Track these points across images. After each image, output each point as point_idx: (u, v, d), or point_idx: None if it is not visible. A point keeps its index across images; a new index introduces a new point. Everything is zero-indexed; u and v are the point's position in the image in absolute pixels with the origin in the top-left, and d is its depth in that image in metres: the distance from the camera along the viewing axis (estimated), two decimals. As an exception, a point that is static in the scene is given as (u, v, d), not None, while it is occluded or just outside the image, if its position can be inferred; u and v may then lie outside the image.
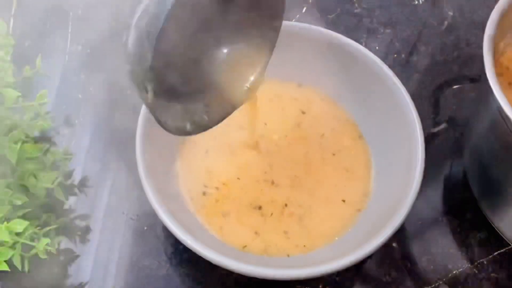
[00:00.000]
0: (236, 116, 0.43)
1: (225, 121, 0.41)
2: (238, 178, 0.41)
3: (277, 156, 0.42)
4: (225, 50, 0.37)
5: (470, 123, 0.43)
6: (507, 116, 0.33)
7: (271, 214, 0.39)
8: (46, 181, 0.40)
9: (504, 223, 0.41)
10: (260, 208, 0.39)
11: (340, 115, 0.43)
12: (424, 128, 0.38)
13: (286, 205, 0.40)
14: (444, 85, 0.49)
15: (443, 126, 0.47)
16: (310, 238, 0.38)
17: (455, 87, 0.49)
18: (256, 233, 0.39)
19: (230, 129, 0.42)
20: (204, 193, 0.40)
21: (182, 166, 0.41)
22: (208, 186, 0.40)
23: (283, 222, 0.39)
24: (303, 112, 0.43)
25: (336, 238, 0.38)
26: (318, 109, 0.44)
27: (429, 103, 0.48)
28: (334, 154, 0.42)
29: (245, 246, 0.38)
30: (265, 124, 0.43)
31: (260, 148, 0.42)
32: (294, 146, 0.42)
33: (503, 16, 0.37)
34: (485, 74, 0.35)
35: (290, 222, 0.39)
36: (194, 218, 0.39)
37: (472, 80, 0.50)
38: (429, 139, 0.46)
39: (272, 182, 0.40)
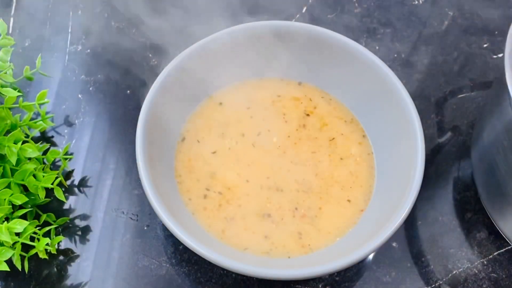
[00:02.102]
0: (238, 120, 0.43)
1: (230, 126, 0.42)
2: (247, 181, 0.40)
3: (284, 160, 0.42)
4: None
5: (480, 124, 0.42)
6: None
7: (282, 219, 0.39)
8: (46, 181, 0.40)
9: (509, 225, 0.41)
10: (269, 215, 0.39)
11: (345, 115, 0.43)
12: (424, 127, 0.38)
13: (296, 208, 0.40)
14: (444, 85, 0.49)
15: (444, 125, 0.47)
16: (319, 238, 0.38)
17: (455, 86, 0.49)
18: (266, 237, 0.39)
19: (235, 133, 0.42)
20: (205, 196, 0.40)
21: (183, 166, 0.41)
22: (210, 189, 0.40)
23: (296, 225, 0.39)
24: (307, 114, 0.43)
25: (338, 239, 0.38)
26: (323, 110, 0.44)
27: (429, 103, 0.48)
28: (342, 159, 0.42)
29: (247, 248, 0.38)
30: (268, 130, 0.43)
31: (264, 152, 0.42)
32: (300, 149, 0.42)
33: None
34: (500, 78, 0.34)
35: (303, 224, 0.39)
36: (194, 219, 0.39)
37: (472, 79, 0.50)
38: (429, 138, 0.46)
39: (277, 188, 0.40)
